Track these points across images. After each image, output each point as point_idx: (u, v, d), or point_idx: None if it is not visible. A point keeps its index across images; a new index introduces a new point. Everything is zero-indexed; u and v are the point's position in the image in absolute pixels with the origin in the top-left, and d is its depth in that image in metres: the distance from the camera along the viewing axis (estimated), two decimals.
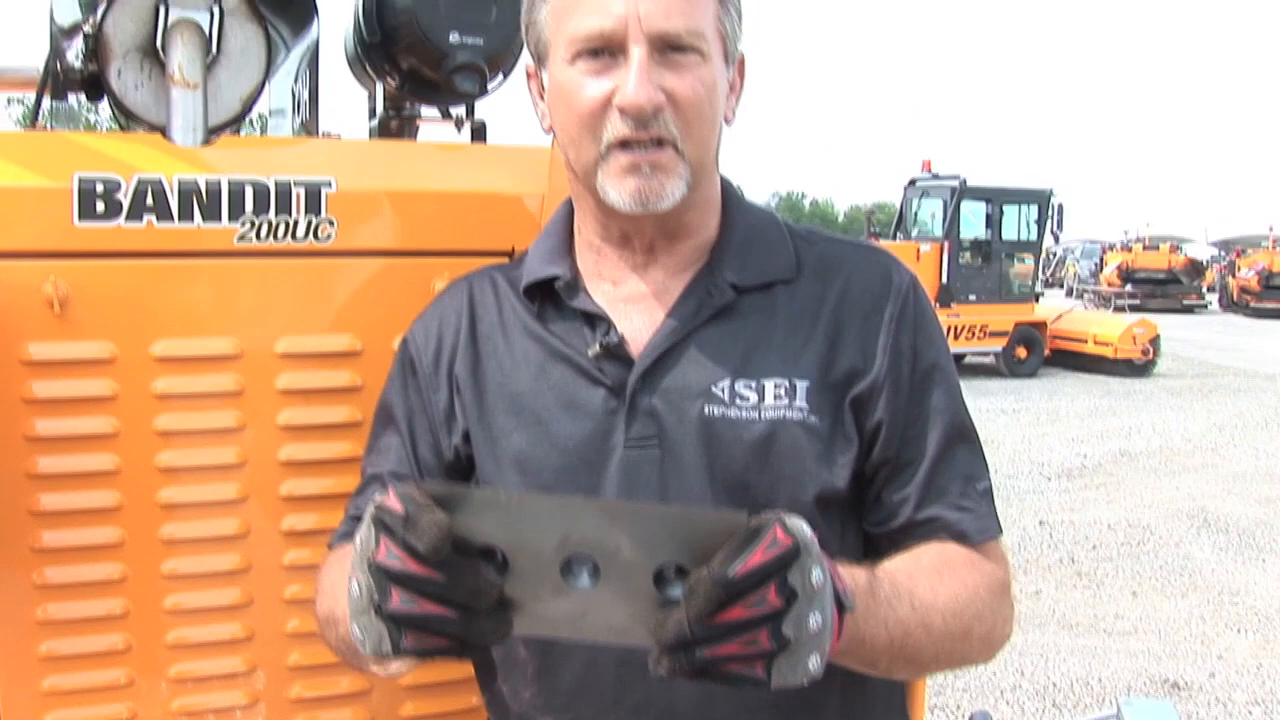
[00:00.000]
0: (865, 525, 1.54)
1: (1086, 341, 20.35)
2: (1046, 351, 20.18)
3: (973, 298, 19.64)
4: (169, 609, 1.84)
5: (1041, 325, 20.20)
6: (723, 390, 1.47)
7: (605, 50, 1.41)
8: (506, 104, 2.28)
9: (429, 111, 2.30)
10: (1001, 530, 1.52)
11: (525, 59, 1.61)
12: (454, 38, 1.99)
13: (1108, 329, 20.58)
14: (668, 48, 1.41)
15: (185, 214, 1.79)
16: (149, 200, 1.77)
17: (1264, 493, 10.81)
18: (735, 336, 1.50)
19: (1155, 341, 20.13)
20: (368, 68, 2.18)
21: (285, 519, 1.88)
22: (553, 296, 1.56)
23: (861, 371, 1.50)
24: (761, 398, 1.46)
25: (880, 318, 1.52)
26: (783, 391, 1.47)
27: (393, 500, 1.16)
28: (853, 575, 1.28)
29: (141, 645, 1.84)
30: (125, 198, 1.76)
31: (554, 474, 1.49)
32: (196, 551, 1.85)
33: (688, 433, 1.46)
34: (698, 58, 1.43)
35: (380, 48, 2.08)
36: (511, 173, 1.99)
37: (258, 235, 1.82)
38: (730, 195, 1.62)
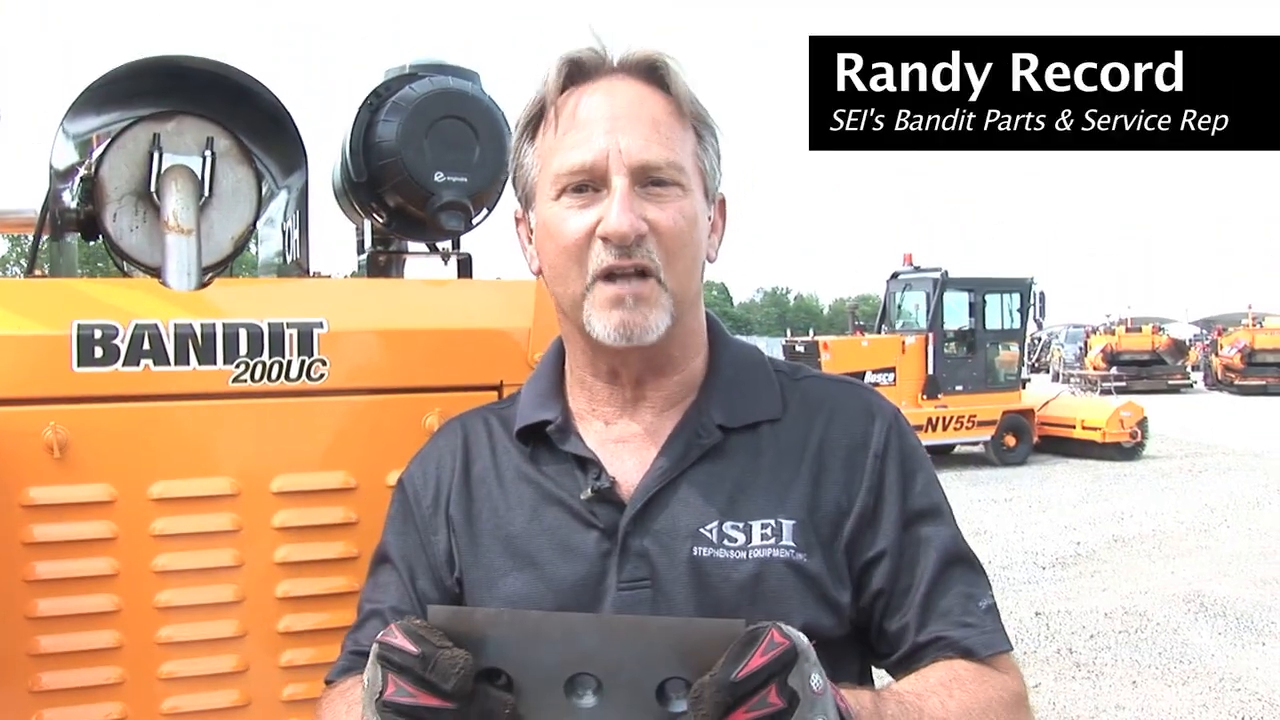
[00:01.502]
0: (877, 660, 1.57)
1: (1074, 427, 20.39)
2: (1035, 438, 20.21)
3: (959, 388, 19.72)
4: None
5: (1029, 413, 20.25)
6: (711, 531, 1.50)
7: (589, 185, 1.48)
8: (491, 236, 2.35)
9: (415, 245, 2.36)
10: (1011, 646, 1.54)
11: (513, 204, 1.68)
12: (439, 177, 2.06)
13: (1095, 414, 20.63)
14: (649, 180, 1.48)
15: (181, 358, 1.84)
16: (146, 345, 1.83)
17: (1260, 574, 10.78)
18: (722, 477, 1.54)
19: (1143, 424, 20.19)
20: (355, 205, 2.25)
21: (284, 653, 1.90)
22: (545, 438, 1.60)
23: (848, 510, 1.54)
24: (749, 538, 1.50)
25: (864, 455, 1.57)
26: (769, 531, 1.50)
27: (400, 639, 1.21)
28: (856, 697, 1.32)
29: None
30: (123, 343, 1.82)
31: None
32: (196, 689, 1.86)
33: (678, 574, 1.49)
34: (678, 190, 1.50)
35: (367, 187, 2.15)
36: (497, 307, 2.05)
37: (252, 377, 1.87)
38: (716, 332, 1.67)
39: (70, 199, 2.20)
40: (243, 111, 2.13)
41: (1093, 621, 9.19)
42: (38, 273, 2.39)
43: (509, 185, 2.13)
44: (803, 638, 1.19)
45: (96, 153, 2.10)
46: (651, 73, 1.52)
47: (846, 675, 1.54)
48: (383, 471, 1.91)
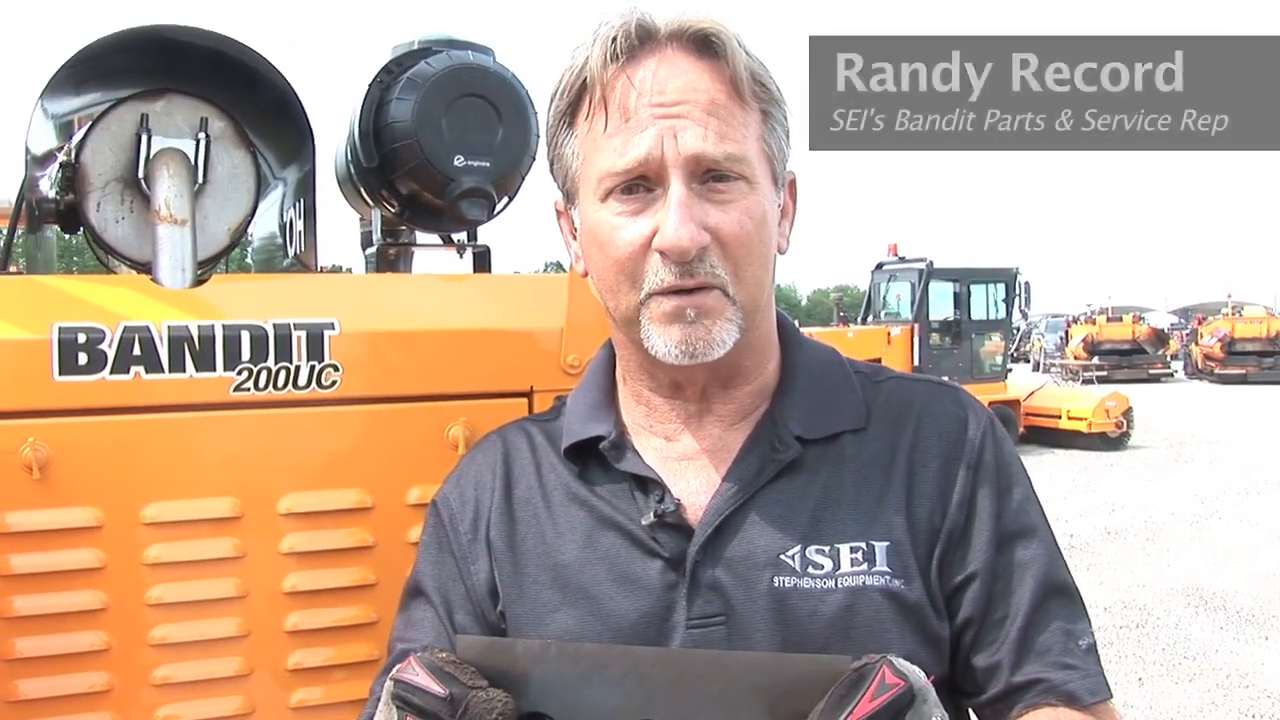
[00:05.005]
0: (963, 699, 1.38)
1: (1060, 417, 20.30)
2: (1020, 429, 20.12)
3: (945, 379, 19.54)
4: None
5: (1015, 403, 20.14)
6: (793, 558, 1.31)
7: (641, 185, 1.29)
8: (508, 227, 2.16)
9: (427, 237, 2.17)
10: (1111, 692, 1.35)
11: (537, 192, 1.50)
12: (459, 161, 1.87)
13: (1080, 404, 20.56)
14: (709, 177, 1.28)
15: (176, 364, 1.64)
16: (136, 350, 1.63)
17: (1256, 566, 10.66)
18: (803, 495, 1.35)
19: (1128, 414, 20.12)
20: (364, 192, 2.05)
21: (295, 694, 1.71)
22: (598, 455, 1.41)
23: (940, 528, 1.35)
24: (837, 564, 1.31)
25: (956, 467, 1.38)
26: (860, 555, 1.31)
27: (423, 676, 1.04)
28: None
29: None
30: (110, 348, 1.62)
31: None
32: None
33: (757, 609, 1.30)
34: (743, 186, 1.30)
35: (378, 172, 1.96)
36: (527, 306, 1.86)
37: (256, 384, 1.67)
38: (789, 333, 1.48)
39: (48, 187, 2.01)
40: (241, 90, 1.93)
41: (1092, 616, 8.90)
42: (13, 269, 2.20)
43: (533, 171, 1.97)
44: (919, 674, 1.03)
45: (77, 136, 1.90)
46: (705, 46, 1.31)
47: None
48: (402, 489, 1.73)
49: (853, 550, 1.31)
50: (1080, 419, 20.01)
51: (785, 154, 1.39)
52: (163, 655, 1.65)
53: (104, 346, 1.62)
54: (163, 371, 1.64)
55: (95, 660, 1.62)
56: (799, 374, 1.44)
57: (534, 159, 1.94)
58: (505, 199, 1.98)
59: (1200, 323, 40.51)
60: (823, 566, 1.31)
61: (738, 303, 1.31)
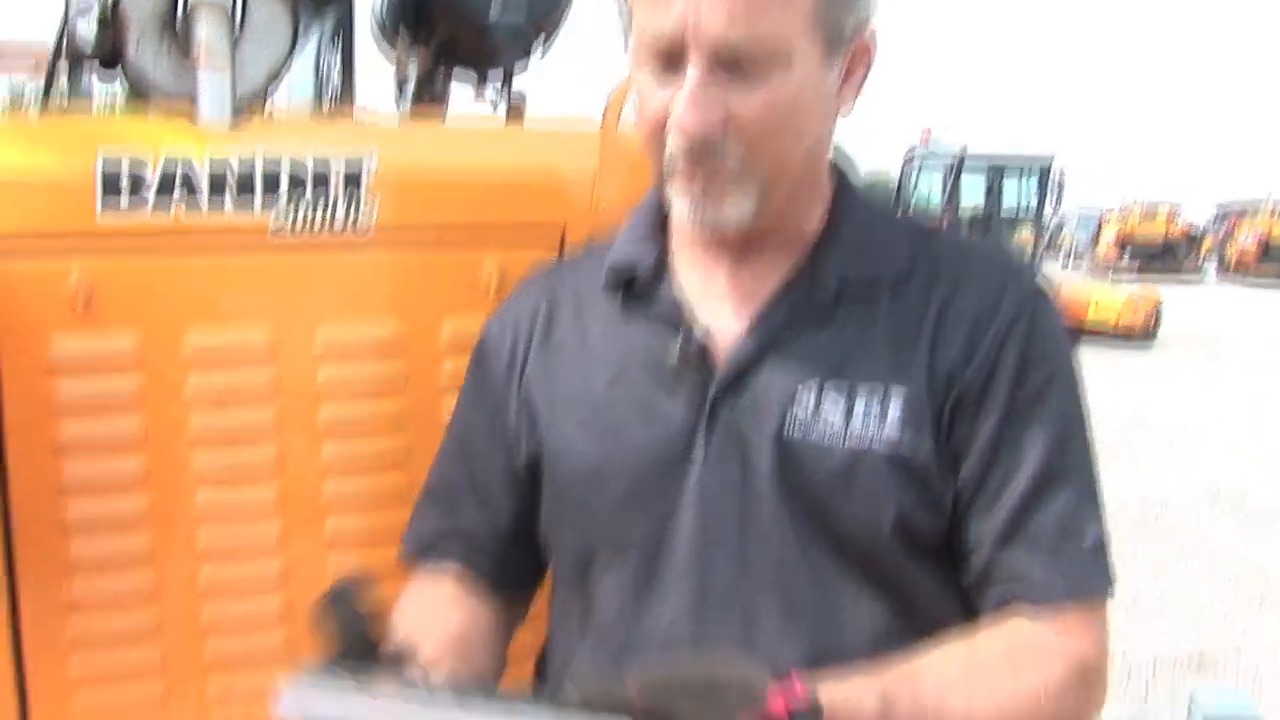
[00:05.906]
0: (960, 574, 1.35)
1: (1088, 311, 20.05)
2: None
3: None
4: (205, 623, 1.73)
5: None
6: (806, 409, 1.30)
7: (671, 52, 1.23)
8: (542, 76, 2.16)
9: (462, 89, 2.16)
10: (1104, 585, 1.31)
11: (573, 34, 1.49)
12: (496, 6, 1.86)
13: (1109, 299, 20.34)
14: (735, 60, 1.21)
15: (216, 200, 1.66)
16: (177, 186, 1.64)
17: (1278, 467, 10.66)
18: (831, 341, 1.33)
19: (1157, 310, 19.91)
20: (400, 36, 2.04)
21: (328, 520, 1.76)
22: (635, 292, 1.42)
23: (955, 385, 1.31)
24: (849, 418, 1.29)
25: (986, 330, 1.32)
26: (874, 414, 1.29)
27: None
28: (859, 699, 1.15)
29: (176, 659, 1.72)
30: (152, 184, 1.63)
31: (626, 488, 1.36)
32: (234, 559, 1.73)
33: (766, 452, 1.30)
34: (775, 67, 1.22)
35: (414, 14, 1.95)
36: (561, 150, 1.86)
37: (294, 220, 1.69)
38: (845, 186, 1.43)
39: (88, 30, 2.01)
40: None
41: (1111, 510, 8.97)
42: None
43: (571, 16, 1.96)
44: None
45: None
46: None
47: (950, 583, 1.35)
48: (435, 322, 1.76)
49: (866, 408, 1.29)
50: (1108, 314, 19.79)
51: (844, 22, 1.27)
52: (200, 482, 1.69)
53: (146, 182, 1.63)
54: (202, 208, 1.66)
55: (136, 485, 1.67)
56: (846, 223, 1.40)
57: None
58: (544, 37, 1.97)
59: (1237, 222, 39.67)
60: (834, 419, 1.30)
61: (756, 175, 1.27)
